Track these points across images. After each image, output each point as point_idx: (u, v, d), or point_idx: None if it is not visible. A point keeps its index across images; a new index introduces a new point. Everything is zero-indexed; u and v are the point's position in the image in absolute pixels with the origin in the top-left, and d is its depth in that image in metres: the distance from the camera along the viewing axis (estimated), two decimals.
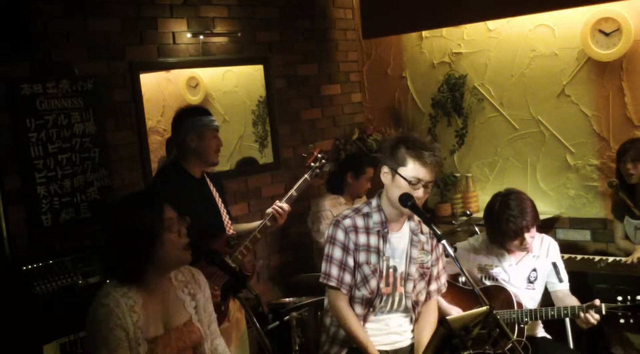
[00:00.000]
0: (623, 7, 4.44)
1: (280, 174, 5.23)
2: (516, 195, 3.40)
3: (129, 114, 4.33)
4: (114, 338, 2.31)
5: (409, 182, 2.83)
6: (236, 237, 3.70)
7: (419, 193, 2.83)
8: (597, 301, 3.12)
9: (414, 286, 3.01)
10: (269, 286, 5.15)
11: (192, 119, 3.60)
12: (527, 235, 3.33)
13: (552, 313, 3.23)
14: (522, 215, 3.29)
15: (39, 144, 3.86)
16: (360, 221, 2.98)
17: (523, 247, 3.37)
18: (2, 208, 3.70)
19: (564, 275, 3.42)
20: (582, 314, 3.12)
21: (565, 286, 3.41)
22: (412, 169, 2.84)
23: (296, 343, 3.51)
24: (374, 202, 3.01)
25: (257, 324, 2.46)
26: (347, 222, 2.98)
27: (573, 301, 3.28)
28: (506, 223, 3.30)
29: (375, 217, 2.97)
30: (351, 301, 2.99)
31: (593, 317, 3.09)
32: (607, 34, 4.52)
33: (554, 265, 3.42)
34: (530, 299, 3.38)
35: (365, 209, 3.01)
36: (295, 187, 3.78)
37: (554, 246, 3.49)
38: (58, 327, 3.55)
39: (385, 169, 2.92)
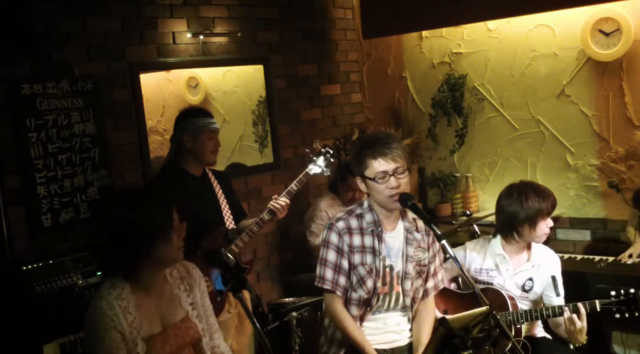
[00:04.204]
0: (623, 7, 4.44)
1: (280, 174, 5.23)
2: (535, 183, 3.44)
3: (129, 114, 4.34)
4: (109, 341, 2.33)
5: (375, 180, 2.87)
6: (236, 232, 3.76)
7: (392, 184, 2.86)
8: (579, 304, 3.15)
9: (412, 284, 3.02)
10: (269, 286, 5.15)
11: (189, 120, 3.73)
12: (543, 222, 3.32)
13: (547, 312, 3.24)
14: (546, 196, 3.31)
15: (39, 144, 3.86)
16: (354, 223, 3.00)
17: (539, 234, 3.34)
18: (2, 208, 3.71)
19: (561, 290, 3.40)
20: (565, 314, 3.13)
21: (561, 301, 3.39)
22: (373, 166, 2.89)
23: (296, 343, 3.51)
24: (365, 203, 3.04)
25: (257, 324, 2.47)
26: (341, 225, 2.99)
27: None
28: (530, 202, 3.29)
29: (368, 217, 2.99)
30: (348, 302, 3.00)
31: (574, 317, 3.11)
32: (607, 34, 4.52)
33: (553, 278, 3.39)
34: (521, 306, 3.36)
35: (358, 210, 3.04)
36: (295, 181, 3.84)
37: (556, 260, 3.47)
38: (58, 327, 3.56)
39: (358, 180, 2.99)
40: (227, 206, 3.86)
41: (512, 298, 3.33)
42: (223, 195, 3.85)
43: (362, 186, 2.98)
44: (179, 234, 2.47)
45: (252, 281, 4.86)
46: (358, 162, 2.95)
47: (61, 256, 3.77)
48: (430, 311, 3.12)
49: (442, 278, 3.18)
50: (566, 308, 3.17)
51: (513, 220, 3.34)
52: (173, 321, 2.51)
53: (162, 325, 2.48)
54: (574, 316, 3.12)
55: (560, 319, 3.25)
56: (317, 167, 3.92)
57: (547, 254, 3.48)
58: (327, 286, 2.98)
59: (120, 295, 2.39)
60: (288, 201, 3.78)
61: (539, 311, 3.26)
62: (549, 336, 3.51)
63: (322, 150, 3.97)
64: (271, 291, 5.14)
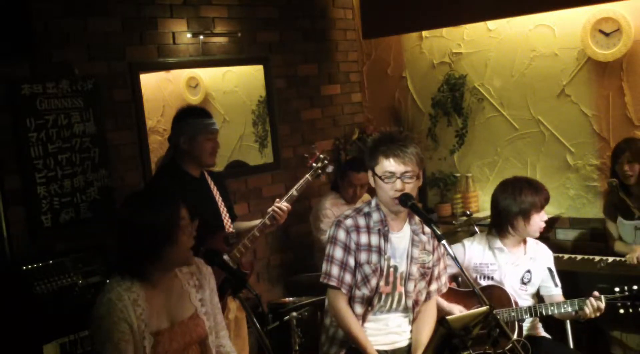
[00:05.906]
0: (623, 7, 4.44)
1: (280, 174, 5.24)
2: (528, 177, 3.50)
3: (129, 114, 4.34)
4: (117, 332, 2.31)
5: (381, 178, 2.87)
6: (235, 235, 3.74)
7: (396, 186, 2.85)
8: (595, 293, 3.17)
9: (415, 286, 3.02)
10: (269, 286, 5.15)
11: (186, 122, 3.64)
12: (537, 216, 3.33)
13: (552, 308, 3.24)
14: (539, 189, 3.35)
15: (39, 144, 3.86)
16: (361, 221, 2.99)
17: (534, 228, 3.35)
18: (2, 208, 3.71)
19: (559, 281, 3.44)
20: (589, 303, 3.14)
21: (559, 291, 3.42)
22: (383, 165, 2.88)
23: (296, 343, 3.51)
24: (373, 202, 3.04)
25: (257, 324, 2.47)
26: (349, 222, 2.99)
27: None
28: (523, 196, 3.32)
29: (375, 216, 2.98)
30: (351, 300, 2.99)
31: (600, 304, 3.13)
32: (607, 34, 4.52)
33: (550, 270, 3.44)
34: (522, 301, 3.37)
35: (366, 209, 3.03)
36: (296, 187, 3.82)
37: (549, 252, 3.51)
38: (58, 327, 3.55)
39: (369, 173, 2.99)
40: (225, 208, 3.84)
41: (513, 295, 3.34)
42: (221, 197, 3.82)
43: (371, 180, 2.98)
44: (189, 233, 2.44)
45: (252, 282, 4.86)
46: (371, 156, 2.94)
47: (61, 256, 3.76)
48: (432, 314, 3.11)
49: (445, 282, 3.17)
50: (591, 299, 3.17)
51: (507, 214, 3.37)
52: (181, 318, 2.49)
53: (170, 322, 2.46)
54: (599, 302, 3.14)
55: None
56: (317, 174, 3.93)
57: (540, 247, 3.51)
58: (333, 283, 2.96)
59: (130, 288, 2.37)
60: (289, 206, 3.76)
61: (544, 306, 3.26)
62: (548, 336, 3.51)
63: (321, 156, 3.97)
64: (271, 291, 5.14)
